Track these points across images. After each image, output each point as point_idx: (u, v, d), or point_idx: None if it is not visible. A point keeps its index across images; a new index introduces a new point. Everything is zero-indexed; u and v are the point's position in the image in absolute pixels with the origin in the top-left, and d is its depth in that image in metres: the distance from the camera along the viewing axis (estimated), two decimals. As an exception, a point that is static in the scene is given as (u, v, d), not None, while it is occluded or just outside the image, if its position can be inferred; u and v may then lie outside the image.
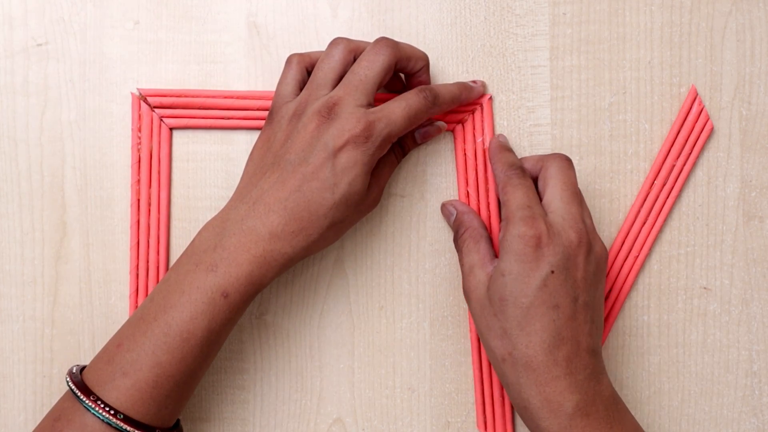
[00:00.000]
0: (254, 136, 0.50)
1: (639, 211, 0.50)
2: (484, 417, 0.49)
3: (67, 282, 0.50)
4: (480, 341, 0.49)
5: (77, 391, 0.41)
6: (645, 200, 0.50)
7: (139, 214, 0.49)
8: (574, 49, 0.50)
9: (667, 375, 0.50)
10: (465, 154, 0.49)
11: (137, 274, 0.49)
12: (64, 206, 0.50)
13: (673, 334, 0.50)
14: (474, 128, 0.49)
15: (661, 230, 0.50)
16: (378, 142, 0.43)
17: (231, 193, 0.50)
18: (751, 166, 0.50)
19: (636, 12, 0.50)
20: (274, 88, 0.48)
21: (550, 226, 0.43)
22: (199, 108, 0.50)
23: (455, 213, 0.48)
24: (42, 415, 0.50)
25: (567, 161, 0.46)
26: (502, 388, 0.49)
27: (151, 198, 0.49)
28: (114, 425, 0.40)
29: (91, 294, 0.50)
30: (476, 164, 0.49)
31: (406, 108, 0.44)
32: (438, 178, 0.51)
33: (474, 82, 0.49)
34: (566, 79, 0.50)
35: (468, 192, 0.49)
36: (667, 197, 0.50)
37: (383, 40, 0.45)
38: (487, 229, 0.48)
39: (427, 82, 0.48)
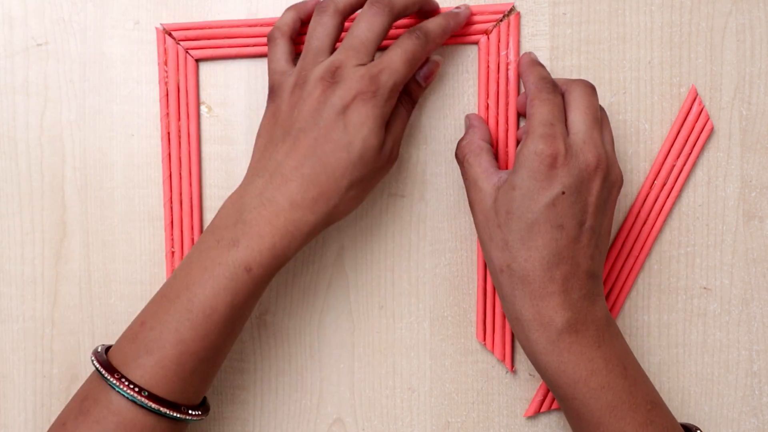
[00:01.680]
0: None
1: (639, 211, 0.50)
2: (484, 328, 0.50)
3: (67, 282, 0.50)
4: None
5: (102, 370, 0.41)
6: (645, 200, 0.50)
7: (170, 147, 0.50)
8: (574, 49, 0.50)
9: (668, 375, 0.50)
10: (488, 66, 0.49)
11: (171, 207, 0.50)
12: (64, 206, 0.50)
13: (673, 334, 0.50)
14: (499, 41, 0.49)
15: (661, 230, 0.50)
16: (386, 93, 0.43)
17: (230, 194, 0.51)
18: (751, 166, 0.50)
19: (636, 12, 0.50)
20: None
21: (569, 146, 0.43)
22: (223, 38, 0.50)
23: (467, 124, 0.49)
24: (42, 415, 0.50)
25: (590, 87, 0.46)
26: None
27: (181, 130, 0.50)
28: (139, 402, 0.40)
29: (91, 294, 0.50)
30: (498, 77, 0.49)
31: (403, 53, 0.44)
32: (438, 178, 0.51)
33: (458, 7, 0.49)
34: (566, 79, 0.50)
35: (488, 104, 0.49)
36: (667, 197, 0.50)
37: (378, 1, 0.45)
38: (491, 141, 0.48)
39: (436, 6, 0.49)
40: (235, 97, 0.51)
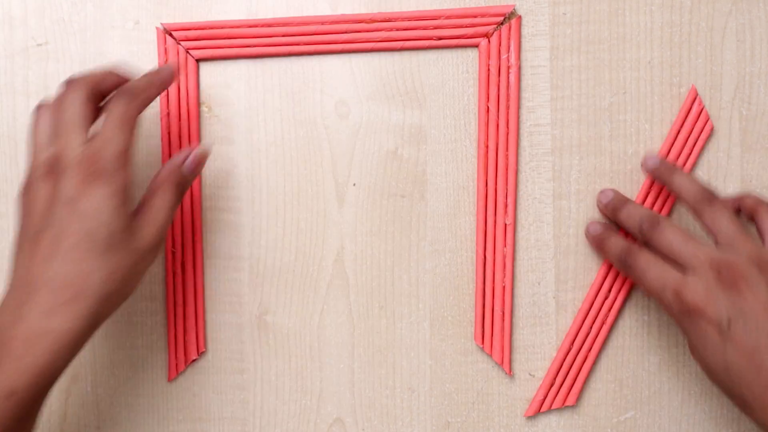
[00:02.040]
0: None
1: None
2: (483, 331, 0.50)
3: (67, 282, 0.50)
4: (485, 253, 0.50)
5: None
6: (645, 201, 0.50)
7: (170, 147, 0.50)
8: (574, 49, 0.50)
9: (668, 375, 0.50)
10: (489, 69, 0.49)
11: None
12: (64, 206, 0.50)
13: (674, 334, 0.50)
14: (500, 44, 0.49)
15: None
16: (110, 167, 0.40)
17: (230, 194, 0.51)
18: (751, 166, 0.50)
19: (636, 12, 0.50)
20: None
21: (695, 285, 0.41)
22: (224, 38, 0.50)
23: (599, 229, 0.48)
24: (40, 416, 0.50)
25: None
26: (502, 303, 0.49)
27: (181, 130, 0.50)
28: None
29: (91, 294, 0.50)
30: (498, 80, 0.49)
31: (113, 119, 0.41)
32: (438, 178, 0.51)
33: (161, 66, 0.46)
34: (566, 79, 0.50)
35: (488, 107, 0.49)
36: (668, 197, 0.50)
37: (68, 79, 0.42)
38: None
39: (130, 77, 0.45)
40: (235, 97, 0.51)
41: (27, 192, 0.41)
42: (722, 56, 0.50)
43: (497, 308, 0.50)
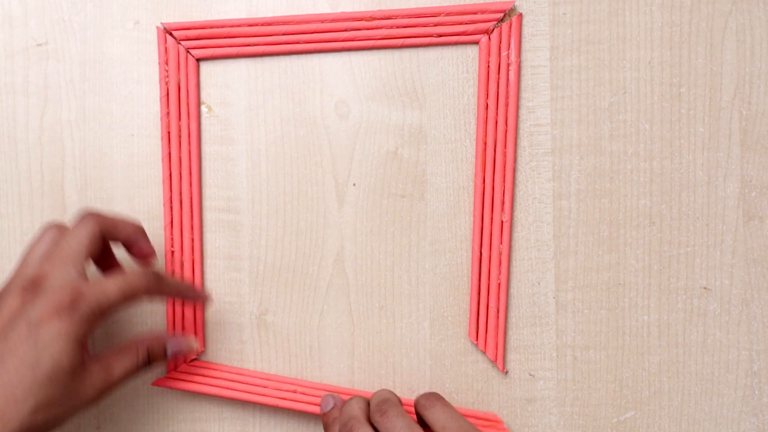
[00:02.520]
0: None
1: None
2: (477, 327, 0.50)
3: (67, 282, 0.50)
4: (481, 251, 0.49)
5: None
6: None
7: (170, 147, 0.50)
8: (574, 49, 0.50)
9: (667, 375, 0.50)
10: (489, 66, 0.49)
11: (171, 207, 0.50)
12: (64, 206, 0.50)
13: (673, 334, 0.50)
14: (500, 41, 0.49)
15: (660, 230, 0.50)
16: (86, 312, 0.39)
17: (230, 194, 0.51)
18: (751, 166, 0.50)
19: (636, 12, 0.50)
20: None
21: None
22: (224, 37, 0.50)
23: (331, 403, 0.47)
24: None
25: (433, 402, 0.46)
26: (497, 301, 0.49)
27: (182, 130, 0.50)
28: None
29: (91, 294, 0.50)
30: (498, 77, 0.49)
31: (124, 283, 0.41)
32: (438, 178, 0.51)
33: (201, 289, 0.48)
34: (566, 79, 0.50)
35: (488, 104, 0.49)
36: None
37: (86, 211, 0.43)
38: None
39: (150, 251, 0.45)
40: (235, 97, 0.51)
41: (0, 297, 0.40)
42: (722, 56, 0.50)
43: (492, 305, 0.50)
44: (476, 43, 0.50)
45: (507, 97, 0.49)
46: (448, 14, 0.49)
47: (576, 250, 0.50)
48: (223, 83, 0.51)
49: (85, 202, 0.50)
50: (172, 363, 0.49)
